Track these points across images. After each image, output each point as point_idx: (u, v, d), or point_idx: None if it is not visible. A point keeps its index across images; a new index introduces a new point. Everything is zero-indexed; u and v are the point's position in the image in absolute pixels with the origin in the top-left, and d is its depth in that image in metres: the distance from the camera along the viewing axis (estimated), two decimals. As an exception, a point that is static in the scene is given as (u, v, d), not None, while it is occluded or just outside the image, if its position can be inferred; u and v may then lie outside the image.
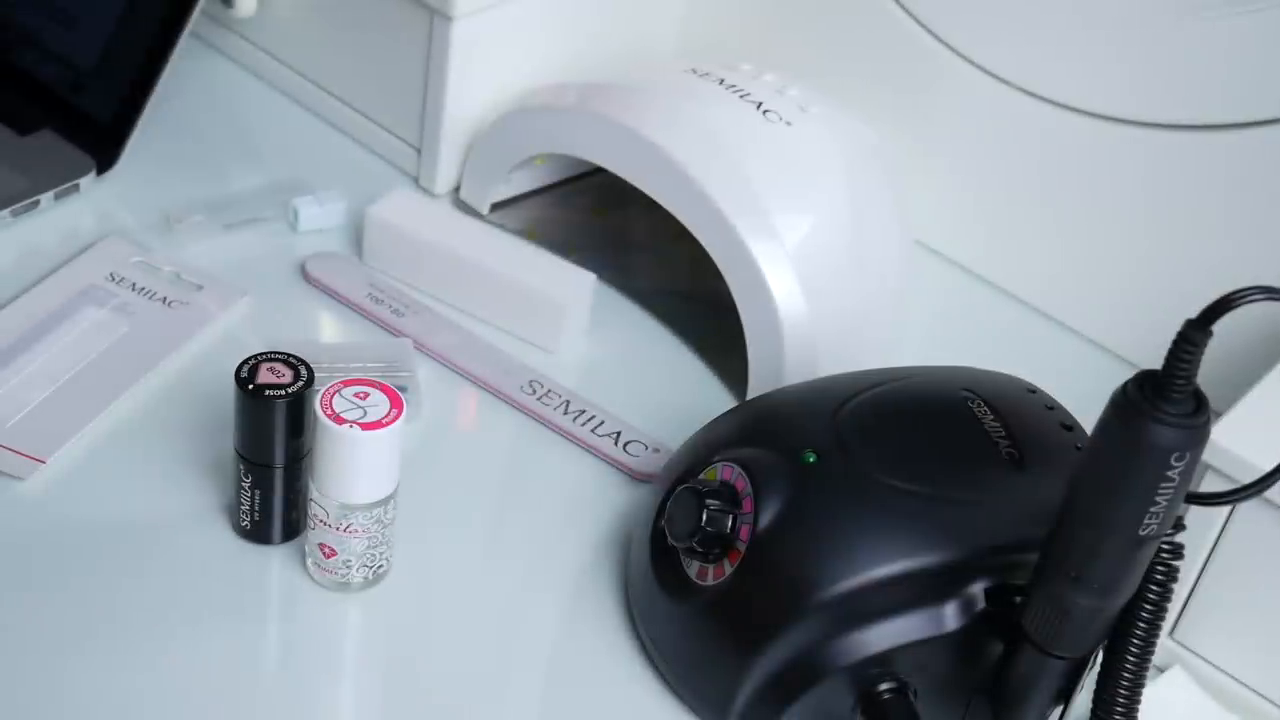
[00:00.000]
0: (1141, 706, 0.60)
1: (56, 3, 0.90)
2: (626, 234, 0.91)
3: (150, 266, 0.83)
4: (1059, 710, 0.62)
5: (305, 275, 0.85)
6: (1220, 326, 0.51)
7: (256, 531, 0.70)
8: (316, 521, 0.67)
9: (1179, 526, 0.57)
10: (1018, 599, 0.60)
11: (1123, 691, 0.60)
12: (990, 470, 0.64)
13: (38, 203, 0.85)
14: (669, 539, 0.66)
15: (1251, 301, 0.50)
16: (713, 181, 0.78)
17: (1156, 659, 0.64)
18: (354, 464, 0.65)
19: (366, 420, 0.64)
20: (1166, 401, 0.52)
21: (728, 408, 0.73)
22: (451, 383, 0.80)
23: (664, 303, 0.87)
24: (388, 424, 0.64)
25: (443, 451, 0.77)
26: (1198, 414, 0.52)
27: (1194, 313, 0.51)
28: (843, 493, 0.64)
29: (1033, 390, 0.69)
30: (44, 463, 0.72)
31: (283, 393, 0.66)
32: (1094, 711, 0.61)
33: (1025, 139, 0.86)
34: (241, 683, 0.66)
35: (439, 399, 0.79)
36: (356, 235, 0.86)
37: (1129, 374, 0.54)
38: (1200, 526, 0.67)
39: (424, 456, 0.74)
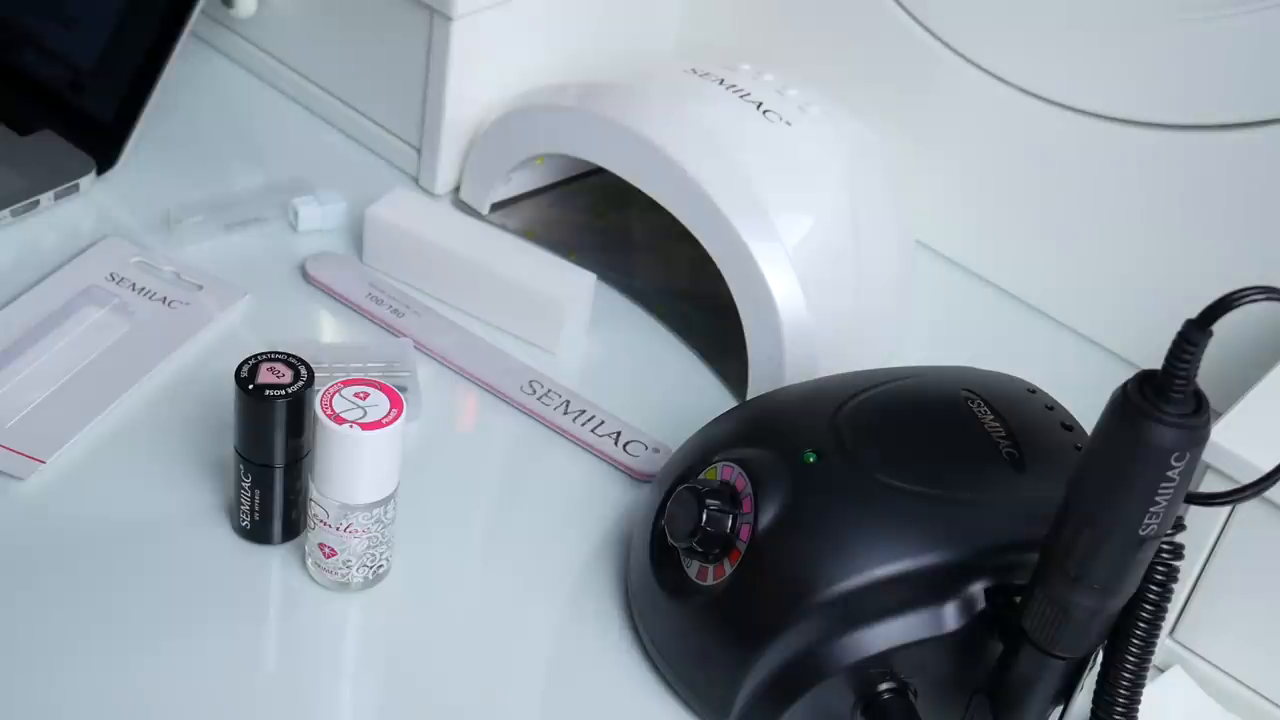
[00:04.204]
0: (1141, 706, 0.60)
1: (56, 3, 0.90)
2: (626, 234, 0.91)
3: (150, 266, 0.83)
4: (1059, 710, 0.62)
5: (305, 275, 0.85)
6: (1220, 326, 0.51)
7: (256, 531, 0.70)
8: (316, 521, 0.67)
9: (1179, 526, 0.57)
10: (1018, 599, 0.60)
11: (1123, 691, 0.60)
12: (990, 470, 0.64)
13: (38, 203, 0.85)
14: (669, 539, 0.66)
15: (1251, 301, 0.50)
16: (713, 181, 0.78)
17: (1156, 659, 0.64)
18: (354, 464, 0.65)
19: (366, 420, 0.64)
20: (1166, 401, 0.52)
21: (728, 408, 0.73)
22: (451, 383, 0.80)
23: (664, 303, 0.87)
24: (388, 424, 0.64)
25: (443, 451, 0.77)
26: (1198, 414, 0.52)
27: (1194, 313, 0.51)
28: (843, 493, 0.64)
29: (1033, 390, 0.69)
30: (44, 463, 0.72)
31: (283, 393, 0.66)
32: (1094, 711, 0.61)
33: (1025, 139, 0.86)
34: (241, 682, 0.66)
35: (439, 399, 0.79)
36: (356, 235, 0.87)
37: (1129, 374, 0.54)
38: (1200, 526, 0.67)
39: (424, 456, 0.74)
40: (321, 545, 0.68)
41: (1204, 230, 0.82)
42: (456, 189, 0.91)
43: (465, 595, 0.71)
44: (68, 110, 0.89)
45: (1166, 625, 0.64)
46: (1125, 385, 0.53)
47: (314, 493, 0.67)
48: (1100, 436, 0.54)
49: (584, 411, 0.79)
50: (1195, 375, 0.52)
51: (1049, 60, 0.84)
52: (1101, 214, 0.85)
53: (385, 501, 0.67)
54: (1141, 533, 0.54)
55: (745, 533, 0.64)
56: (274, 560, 0.70)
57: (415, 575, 0.70)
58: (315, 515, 0.67)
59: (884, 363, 0.76)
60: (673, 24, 0.98)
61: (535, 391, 0.79)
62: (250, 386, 0.66)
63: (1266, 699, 0.70)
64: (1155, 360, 0.53)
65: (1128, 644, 0.59)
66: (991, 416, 0.66)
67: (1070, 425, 0.67)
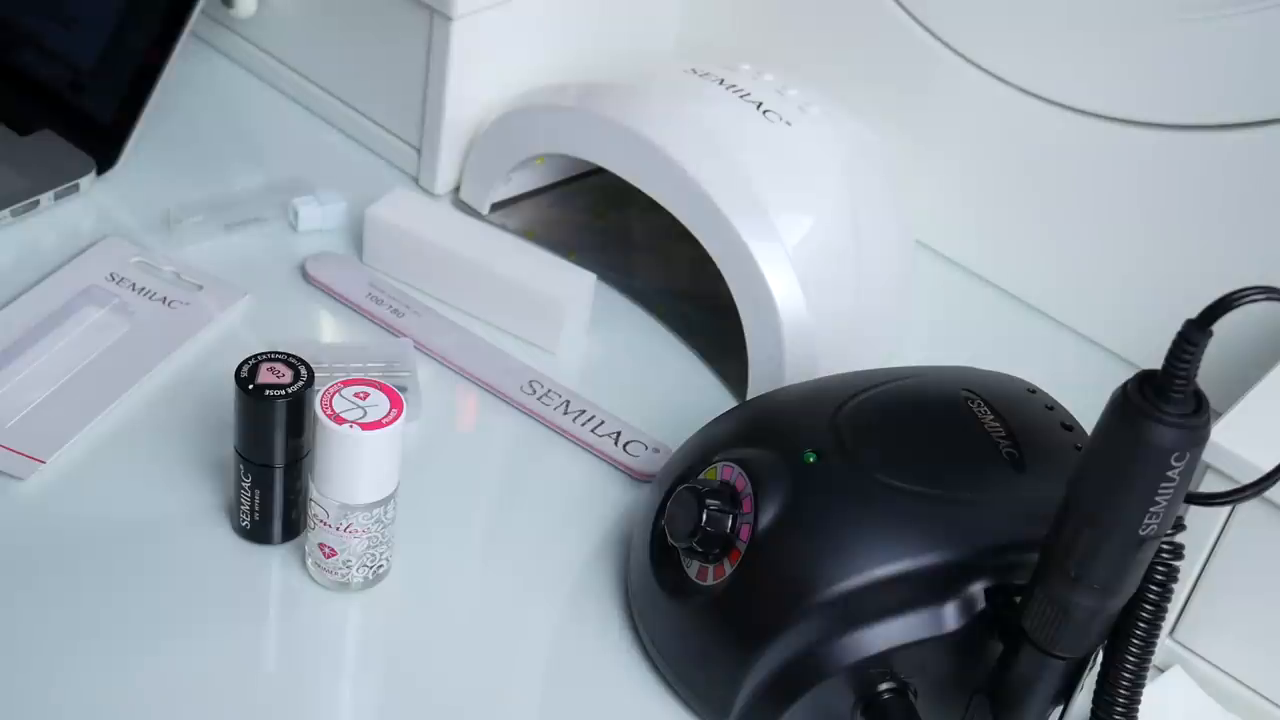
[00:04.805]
0: (1141, 706, 0.60)
1: (56, 3, 0.90)
2: (626, 234, 0.91)
3: (150, 266, 0.83)
4: (1059, 710, 0.62)
5: (305, 275, 0.85)
6: (1220, 326, 0.51)
7: (256, 531, 0.70)
8: (316, 521, 0.67)
9: (1179, 526, 0.57)
10: (1018, 599, 0.60)
11: (1123, 691, 0.60)
12: (990, 470, 0.64)
13: (38, 203, 0.85)
14: (669, 539, 0.66)
15: (1251, 301, 0.50)
16: (713, 181, 0.78)
17: (1156, 659, 0.64)
18: (354, 464, 0.65)
19: (366, 420, 0.64)
20: (1166, 401, 0.52)
21: (728, 408, 0.73)
22: (451, 383, 0.80)
23: (664, 303, 0.87)
24: (388, 424, 0.64)
25: (443, 451, 0.77)
26: (1198, 414, 0.52)
27: (1194, 313, 0.51)
28: (843, 493, 0.64)
29: (1033, 390, 0.69)
30: (44, 463, 0.72)
31: (283, 393, 0.66)
32: (1094, 711, 0.61)
33: (1025, 139, 0.86)
34: (241, 682, 0.66)
35: (439, 399, 0.79)
36: (356, 235, 0.87)
37: (1129, 374, 0.54)
38: (1200, 526, 0.67)
39: (424, 456, 0.74)
40: (321, 545, 0.68)
41: (1204, 230, 0.82)
42: (456, 189, 0.91)
43: (465, 595, 0.71)
44: (68, 110, 0.89)
45: (1166, 625, 0.64)
46: (1125, 385, 0.53)
47: (314, 493, 0.67)
48: (1100, 436, 0.54)
49: (584, 411, 0.79)
50: (1195, 375, 0.52)
51: (1049, 60, 0.84)
52: (1101, 214, 0.85)
53: (385, 501, 0.67)
54: (1141, 533, 0.54)
55: (745, 533, 0.64)
56: (274, 560, 0.70)
57: (415, 575, 0.70)
58: (315, 515, 0.67)
59: (884, 363, 0.76)
60: (673, 24, 0.98)
61: (535, 391, 0.79)
62: (250, 386, 0.66)
63: (1266, 699, 0.70)
64: (1155, 360, 0.53)
65: (1128, 644, 0.59)
66: (991, 416, 0.66)
67: (1070, 425, 0.67)
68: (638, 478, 0.76)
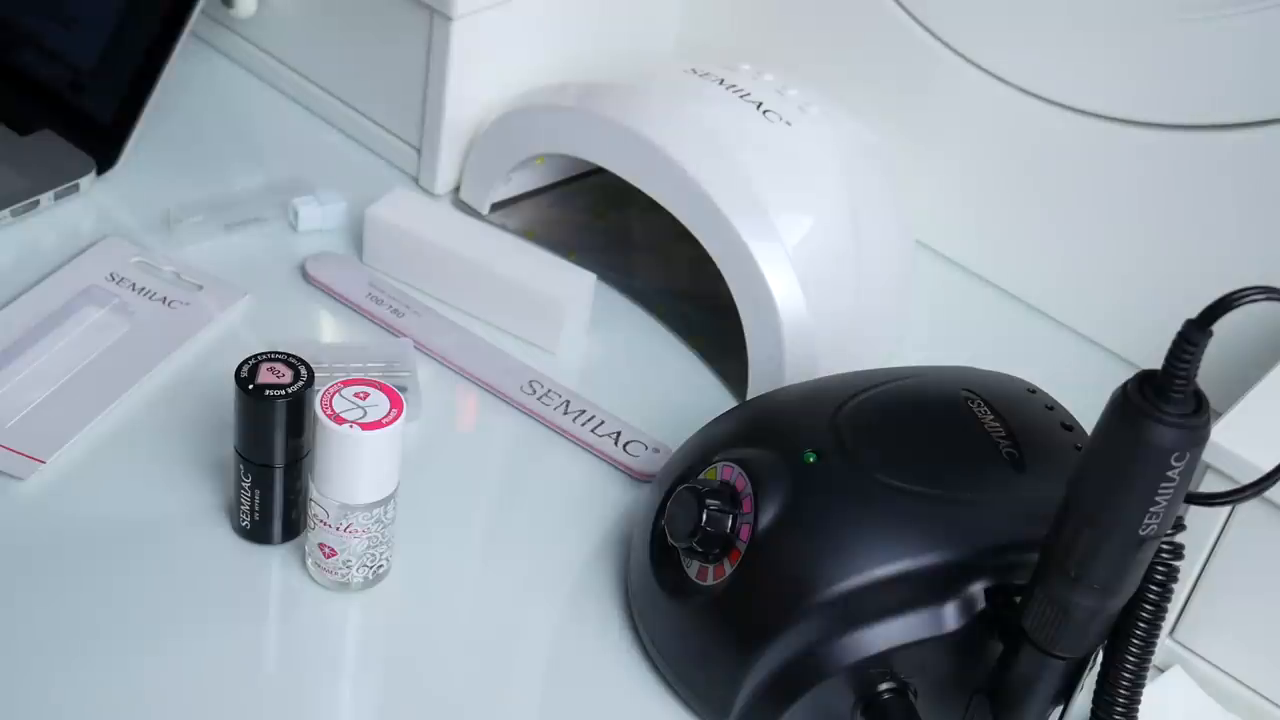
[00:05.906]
0: (1141, 706, 0.60)
1: (56, 3, 0.90)
2: (626, 234, 0.91)
3: (150, 266, 0.83)
4: (1059, 710, 0.62)
5: (305, 275, 0.85)
6: (1220, 326, 0.51)
7: (256, 531, 0.70)
8: (316, 521, 0.67)
9: (1179, 526, 0.57)
10: (1018, 599, 0.60)
11: (1123, 691, 0.60)
12: (990, 470, 0.64)
13: (38, 203, 0.85)
14: (669, 539, 0.66)
15: (1251, 301, 0.50)
16: (713, 181, 0.78)
17: (1156, 659, 0.64)
18: (354, 464, 0.65)
19: (366, 420, 0.64)
20: (1166, 401, 0.52)
21: (728, 408, 0.73)
22: (451, 383, 0.80)
23: (664, 303, 0.87)
24: (388, 424, 0.64)
25: (443, 451, 0.77)
26: (1198, 414, 0.52)
27: (1194, 313, 0.51)
28: (842, 493, 0.64)
29: (1033, 390, 0.69)
30: (44, 463, 0.72)
31: (283, 393, 0.66)
32: (1094, 711, 0.61)
33: (1025, 139, 0.86)
34: (241, 682, 0.66)
35: (439, 399, 0.79)
36: (356, 235, 0.87)
37: (1129, 374, 0.54)
38: (1200, 526, 0.67)
39: (424, 456, 0.74)
40: (321, 545, 0.68)
41: (1204, 230, 0.82)
42: (456, 189, 0.91)
43: (465, 595, 0.71)
44: (68, 110, 0.89)
45: (1166, 625, 0.64)
46: (1125, 385, 0.53)
47: (314, 493, 0.67)
48: (1100, 436, 0.54)
49: (584, 411, 0.79)
50: (1195, 375, 0.52)
51: (1049, 60, 0.84)
52: (1101, 214, 0.85)
53: (385, 501, 0.67)
54: (1141, 533, 0.54)
55: (745, 533, 0.64)
56: (274, 560, 0.70)
57: (415, 575, 0.70)
58: (315, 515, 0.67)
59: (884, 363, 0.76)
60: (673, 24, 0.98)
61: (535, 391, 0.79)
62: (250, 386, 0.66)
63: (1266, 699, 0.70)
64: (1155, 360, 0.53)
65: (1128, 644, 0.59)
66: (991, 416, 0.66)
67: (1070, 425, 0.67)
68: (638, 478, 0.76)
